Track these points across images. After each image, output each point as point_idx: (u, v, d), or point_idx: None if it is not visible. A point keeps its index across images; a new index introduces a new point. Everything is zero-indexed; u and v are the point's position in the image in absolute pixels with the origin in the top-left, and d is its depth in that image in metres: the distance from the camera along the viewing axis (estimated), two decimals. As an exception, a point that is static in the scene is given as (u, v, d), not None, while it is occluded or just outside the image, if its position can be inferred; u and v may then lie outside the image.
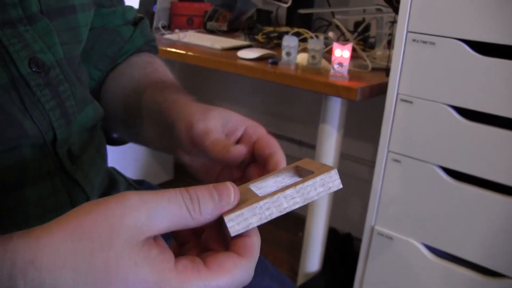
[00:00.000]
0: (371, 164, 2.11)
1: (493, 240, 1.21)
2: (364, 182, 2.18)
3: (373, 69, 1.46)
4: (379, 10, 1.67)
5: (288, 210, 0.40)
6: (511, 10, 1.06)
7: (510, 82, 1.10)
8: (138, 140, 0.79)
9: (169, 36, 1.85)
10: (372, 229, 1.41)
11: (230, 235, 0.38)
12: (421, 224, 1.32)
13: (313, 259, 1.69)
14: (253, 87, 2.51)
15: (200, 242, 0.42)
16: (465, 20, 1.13)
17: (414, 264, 1.36)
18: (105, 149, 0.78)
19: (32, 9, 0.57)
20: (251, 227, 0.39)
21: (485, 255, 1.23)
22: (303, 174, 0.45)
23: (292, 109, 2.39)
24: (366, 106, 1.95)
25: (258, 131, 0.59)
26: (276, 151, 0.55)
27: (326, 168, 0.42)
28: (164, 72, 0.79)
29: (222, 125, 0.57)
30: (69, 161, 0.61)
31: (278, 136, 2.04)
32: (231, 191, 0.39)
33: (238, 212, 0.38)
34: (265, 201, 0.39)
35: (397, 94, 1.26)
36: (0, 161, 0.54)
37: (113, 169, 0.90)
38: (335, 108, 1.43)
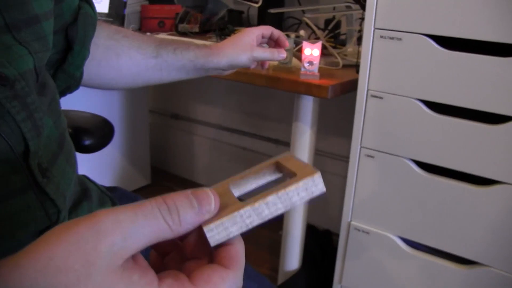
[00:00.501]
0: (346, 160, 2.12)
1: (466, 230, 1.23)
2: (340, 178, 2.20)
3: (344, 66, 1.47)
4: (348, 7, 1.68)
5: (269, 217, 0.38)
6: (474, 5, 1.08)
7: (474, 74, 1.12)
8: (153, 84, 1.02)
9: (140, 40, 1.84)
10: (349, 224, 1.43)
11: (210, 245, 0.37)
12: (397, 218, 1.33)
13: (293, 257, 1.70)
14: (227, 87, 2.51)
15: (182, 251, 0.41)
16: (430, 16, 1.14)
17: (392, 257, 1.37)
18: (74, 158, 0.77)
19: None
20: (231, 236, 0.37)
21: (459, 245, 1.25)
22: (284, 172, 0.44)
23: (267, 108, 2.40)
24: (339, 102, 1.96)
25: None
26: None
27: (308, 171, 0.40)
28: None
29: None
30: (40, 174, 0.61)
31: (254, 135, 2.06)
32: (211, 199, 0.37)
33: (218, 222, 0.37)
34: (246, 209, 0.37)
35: (367, 90, 1.27)
36: None
37: (85, 177, 0.90)
38: (308, 106, 1.44)
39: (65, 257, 0.32)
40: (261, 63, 1.16)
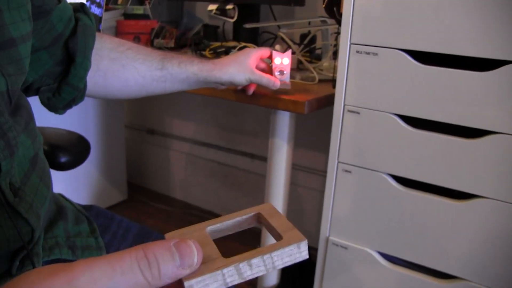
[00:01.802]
0: (323, 174, 2.13)
1: (445, 244, 1.23)
2: (317, 192, 2.20)
3: (320, 81, 1.48)
4: (324, 22, 1.69)
5: (250, 278, 0.38)
6: (450, 19, 1.09)
7: (451, 89, 1.13)
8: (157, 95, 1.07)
9: (115, 55, 1.83)
10: (327, 239, 1.42)
11: None
12: (375, 233, 1.33)
13: (271, 272, 1.69)
14: (203, 101, 2.50)
15: None
16: (406, 31, 1.15)
17: (370, 272, 1.37)
18: (49, 176, 0.76)
19: None
20: None
21: (438, 259, 1.26)
22: (267, 227, 0.44)
23: (242, 122, 2.40)
24: (316, 117, 1.96)
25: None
26: None
27: (295, 236, 0.40)
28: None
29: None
30: (11, 193, 0.60)
31: (229, 150, 2.05)
32: (194, 253, 0.36)
33: (199, 278, 0.36)
34: (229, 268, 0.37)
35: (344, 105, 1.28)
36: None
37: (60, 195, 0.89)
38: (284, 121, 1.44)
39: None
40: (247, 87, 1.26)
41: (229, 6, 1.93)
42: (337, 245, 1.40)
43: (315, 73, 1.48)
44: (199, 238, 0.39)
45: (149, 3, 2.18)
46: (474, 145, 1.14)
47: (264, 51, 1.21)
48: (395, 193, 1.26)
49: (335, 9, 1.36)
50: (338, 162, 1.33)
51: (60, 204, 0.84)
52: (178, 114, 2.65)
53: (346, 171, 1.32)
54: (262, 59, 1.23)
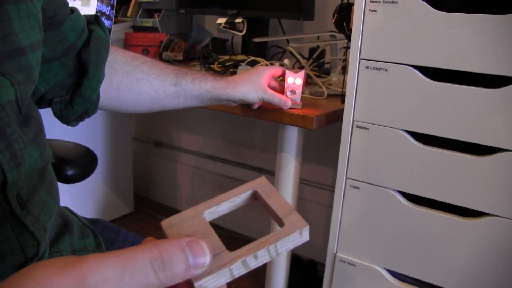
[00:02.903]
0: (330, 189, 2.12)
1: (453, 262, 1.22)
2: (326, 208, 2.19)
3: (329, 96, 1.47)
4: (333, 36, 1.69)
5: (255, 267, 0.39)
6: (460, 36, 1.09)
7: (461, 105, 1.12)
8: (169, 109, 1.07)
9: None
10: (335, 256, 1.41)
11: None
12: (383, 250, 1.32)
13: (277, 287, 1.67)
14: (211, 114, 2.50)
15: None
16: (416, 47, 1.15)
17: (378, 289, 1.36)
18: (56, 189, 0.76)
19: None
20: (218, 286, 0.38)
21: (446, 277, 1.24)
22: (262, 203, 0.45)
23: (250, 136, 2.39)
24: (325, 132, 1.96)
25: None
26: None
27: (297, 222, 0.41)
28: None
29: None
30: (19, 206, 0.59)
31: (237, 164, 2.04)
32: (206, 254, 0.36)
33: (208, 277, 0.36)
34: (236, 263, 0.38)
35: (353, 121, 1.27)
36: None
37: (66, 208, 0.89)
38: (292, 136, 1.43)
39: None
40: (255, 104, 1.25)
41: (238, 20, 1.93)
42: (344, 262, 1.39)
43: (324, 88, 1.48)
44: (199, 227, 0.40)
45: (158, 16, 2.19)
46: (483, 162, 1.12)
47: (276, 70, 1.22)
48: (403, 210, 1.25)
49: (344, 24, 1.36)
50: (346, 178, 1.32)
51: (66, 218, 0.83)
52: (186, 127, 2.65)
53: (354, 187, 1.31)
54: (274, 77, 1.23)
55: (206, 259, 0.36)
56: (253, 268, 0.39)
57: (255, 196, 0.46)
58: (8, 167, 0.58)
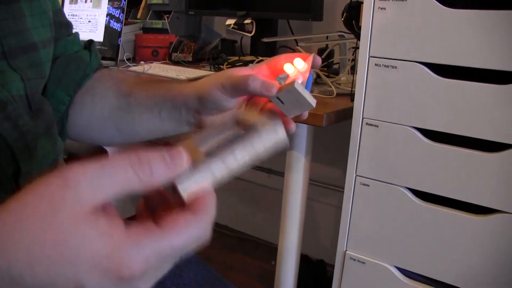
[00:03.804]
0: (340, 190, 2.12)
1: (463, 259, 1.22)
2: (334, 208, 2.19)
3: (338, 95, 1.48)
4: (341, 36, 1.69)
5: (238, 167, 0.40)
6: (469, 32, 1.09)
7: (470, 102, 1.12)
8: (128, 136, 0.82)
9: (134, 68, 1.85)
10: (344, 254, 1.41)
11: (184, 200, 0.38)
12: (393, 247, 1.32)
13: (286, 287, 1.67)
14: (220, 116, 2.50)
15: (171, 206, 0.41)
16: (425, 44, 1.15)
17: (388, 287, 1.36)
18: None
19: None
20: (204, 188, 0.38)
21: (457, 275, 1.24)
22: (245, 124, 0.45)
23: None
24: (333, 131, 1.96)
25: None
26: None
27: (270, 122, 0.42)
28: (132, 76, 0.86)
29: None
30: None
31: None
32: (182, 153, 0.38)
33: (188, 174, 0.37)
34: (216, 162, 0.39)
35: (363, 118, 1.27)
36: None
37: None
38: (302, 134, 1.44)
39: (36, 204, 0.34)
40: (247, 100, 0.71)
41: (247, 21, 1.95)
42: (354, 260, 1.39)
43: (333, 87, 1.48)
44: (187, 148, 0.39)
45: (167, 17, 2.21)
46: (493, 159, 1.12)
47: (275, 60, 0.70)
48: (413, 207, 1.25)
49: (353, 22, 1.36)
50: (356, 175, 1.32)
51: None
52: (194, 128, 2.65)
53: (364, 184, 1.31)
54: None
55: (182, 158, 0.38)
56: (236, 168, 0.39)
57: (237, 122, 0.47)
58: (21, 157, 0.59)
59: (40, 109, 0.70)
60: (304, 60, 0.66)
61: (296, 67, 0.67)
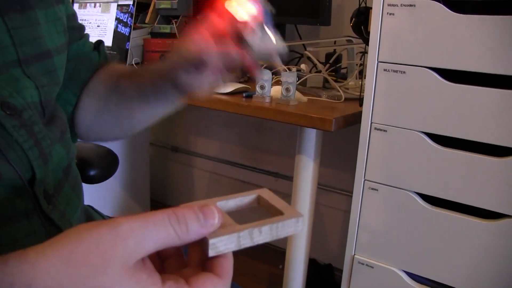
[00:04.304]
0: (348, 194, 2.12)
1: (472, 264, 1.22)
2: (342, 212, 2.19)
3: (346, 99, 1.48)
4: (349, 41, 1.70)
5: (258, 243, 0.44)
6: (477, 37, 1.09)
7: (478, 107, 1.12)
8: (129, 125, 0.86)
9: (142, 72, 1.85)
10: (353, 258, 1.41)
11: (208, 254, 0.42)
12: (401, 251, 1.32)
13: (294, 291, 1.68)
14: (228, 119, 2.51)
15: (181, 258, 0.46)
16: (434, 49, 1.15)
17: (396, 291, 1.36)
18: (80, 187, 0.78)
19: (5, 59, 0.59)
20: (227, 251, 0.43)
21: (465, 279, 1.24)
22: (267, 206, 0.50)
23: (267, 141, 2.40)
24: (341, 136, 1.96)
25: None
26: None
27: (293, 212, 0.47)
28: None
29: None
30: (45, 201, 0.61)
31: (253, 169, 2.03)
32: (215, 214, 0.42)
33: (221, 237, 0.42)
34: (244, 232, 0.43)
35: (371, 123, 1.28)
36: None
37: (90, 207, 0.90)
38: (311, 139, 1.44)
39: (86, 252, 0.37)
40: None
41: (255, 25, 1.95)
42: (362, 264, 1.39)
43: (341, 92, 1.49)
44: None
45: (175, 22, 2.21)
46: (502, 163, 1.13)
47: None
48: (422, 211, 1.25)
49: (362, 27, 1.37)
50: (365, 180, 1.33)
51: (90, 215, 0.85)
52: (202, 132, 2.66)
53: (373, 189, 1.31)
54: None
55: (215, 218, 0.42)
56: (256, 243, 0.44)
57: (258, 200, 0.52)
58: (36, 163, 0.60)
59: (54, 115, 0.71)
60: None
61: (249, 11, 0.63)
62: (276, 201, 0.50)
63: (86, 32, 0.86)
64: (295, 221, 0.46)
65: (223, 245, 0.42)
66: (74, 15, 0.81)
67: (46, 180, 0.62)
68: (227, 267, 0.43)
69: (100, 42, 0.88)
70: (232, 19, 0.64)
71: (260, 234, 0.44)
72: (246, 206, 0.52)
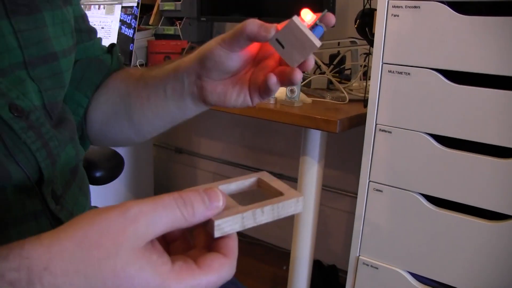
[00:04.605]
0: (352, 195, 2.12)
1: (476, 265, 1.22)
2: (346, 213, 2.19)
3: (351, 101, 1.48)
4: (353, 42, 1.70)
5: (260, 223, 0.47)
6: (482, 39, 1.10)
7: (483, 108, 1.13)
8: (140, 126, 0.82)
9: (147, 74, 1.86)
10: (357, 259, 1.41)
11: (214, 235, 0.44)
12: (406, 252, 1.33)
13: (299, 292, 1.68)
14: (231, 120, 2.52)
15: (187, 241, 0.48)
16: (438, 50, 1.16)
17: (400, 292, 1.36)
18: (87, 188, 0.79)
19: (11, 61, 0.59)
20: (231, 232, 0.45)
21: (469, 280, 1.24)
22: (267, 188, 0.52)
23: (271, 142, 2.40)
24: (346, 137, 1.97)
25: None
26: None
27: (293, 193, 0.49)
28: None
29: None
30: (53, 201, 0.62)
31: (257, 170, 2.02)
32: (219, 197, 0.44)
33: (225, 219, 0.44)
34: (247, 212, 0.45)
35: (376, 124, 1.28)
36: None
37: (95, 208, 0.90)
38: (315, 140, 1.44)
39: (98, 236, 0.39)
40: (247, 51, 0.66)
41: (259, 27, 1.95)
42: (367, 265, 1.39)
43: (345, 93, 1.49)
44: None
45: (179, 23, 2.22)
46: (507, 165, 1.13)
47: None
48: (427, 212, 1.26)
49: (367, 29, 1.37)
50: (369, 181, 1.33)
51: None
52: (206, 134, 2.67)
53: (377, 190, 1.32)
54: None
55: (219, 200, 0.44)
56: (258, 223, 0.46)
57: (258, 183, 0.54)
58: (44, 164, 0.60)
59: (63, 117, 0.71)
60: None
61: (304, 18, 0.61)
62: (276, 183, 0.52)
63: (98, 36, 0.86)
64: (295, 201, 0.48)
65: (228, 226, 0.44)
66: (83, 17, 0.81)
67: (54, 180, 0.63)
68: (233, 246, 0.45)
69: (113, 45, 0.87)
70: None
71: (263, 214, 0.46)
72: (247, 189, 0.54)
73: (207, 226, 0.45)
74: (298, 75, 0.61)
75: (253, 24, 0.59)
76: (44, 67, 0.64)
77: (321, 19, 0.61)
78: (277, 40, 0.59)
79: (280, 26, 0.58)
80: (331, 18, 0.62)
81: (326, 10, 0.62)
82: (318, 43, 0.57)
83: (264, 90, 0.65)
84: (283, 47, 0.59)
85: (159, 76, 0.75)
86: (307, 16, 0.62)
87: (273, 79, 0.62)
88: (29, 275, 0.37)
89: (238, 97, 0.69)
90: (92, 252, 0.38)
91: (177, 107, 0.75)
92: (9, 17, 0.59)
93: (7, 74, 0.59)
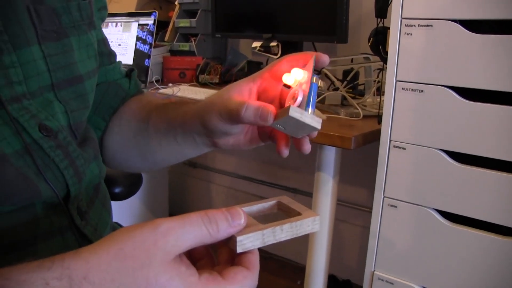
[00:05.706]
0: (366, 210, 2.13)
1: (491, 280, 1.22)
2: (360, 228, 2.19)
3: (365, 117, 1.50)
4: (366, 58, 1.72)
5: (279, 240, 0.50)
6: (493, 57, 1.11)
7: (496, 125, 1.13)
8: (153, 161, 0.85)
9: (163, 90, 1.89)
10: (372, 274, 1.42)
11: (236, 251, 0.47)
12: (421, 268, 1.33)
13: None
14: (246, 136, 2.53)
15: (212, 260, 0.51)
16: (451, 68, 1.17)
17: (416, 308, 1.36)
18: (109, 204, 0.81)
19: (40, 84, 0.62)
20: (253, 247, 0.48)
21: (485, 296, 1.24)
22: (287, 210, 0.56)
23: (285, 157, 2.41)
24: (360, 152, 1.98)
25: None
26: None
27: (310, 213, 0.52)
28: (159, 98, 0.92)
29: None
30: (78, 217, 0.64)
31: (271, 184, 2.03)
32: (241, 215, 0.48)
33: (247, 235, 0.47)
34: (267, 230, 0.49)
35: (390, 141, 1.29)
36: (13, 219, 0.57)
37: (117, 223, 0.93)
38: (330, 156, 1.46)
39: (132, 248, 0.43)
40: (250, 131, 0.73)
41: (273, 43, 1.98)
42: (382, 280, 1.40)
43: (359, 109, 1.51)
44: None
45: (194, 40, 2.25)
46: (521, 181, 1.13)
47: (279, 64, 0.65)
48: (442, 228, 1.26)
49: (380, 47, 1.39)
50: (384, 197, 1.34)
51: (117, 231, 0.87)
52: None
53: (392, 206, 1.33)
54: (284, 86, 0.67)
55: (241, 219, 0.48)
56: (278, 240, 0.50)
57: (278, 205, 0.57)
58: (71, 182, 0.63)
59: (87, 137, 0.74)
60: (306, 62, 0.62)
61: (296, 78, 0.61)
62: (295, 205, 0.55)
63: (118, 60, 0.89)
64: (312, 219, 0.52)
65: (249, 242, 0.48)
66: (103, 40, 0.84)
67: (80, 197, 0.65)
68: (254, 261, 0.49)
69: (132, 70, 0.90)
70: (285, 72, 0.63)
71: (282, 231, 0.50)
72: (267, 211, 0.57)
73: (230, 242, 0.48)
74: (307, 147, 0.69)
75: (248, 111, 0.60)
76: (70, 89, 0.67)
77: (315, 65, 0.61)
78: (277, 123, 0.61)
79: (276, 113, 0.60)
80: (324, 58, 0.63)
81: (314, 55, 0.61)
82: (318, 126, 0.60)
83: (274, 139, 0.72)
84: (284, 127, 0.63)
85: (166, 124, 0.76)
86: (298, 74, 0.61)
87: (285, 152, 0.71)
88: (70, 284, 0.40)
89: (251, 144, 0.75)
90: (127, 263, 0.42)
91: (191, 150, 0.78)
92: (40, 43, 0.62)
93: (36, 96, 0.61)
